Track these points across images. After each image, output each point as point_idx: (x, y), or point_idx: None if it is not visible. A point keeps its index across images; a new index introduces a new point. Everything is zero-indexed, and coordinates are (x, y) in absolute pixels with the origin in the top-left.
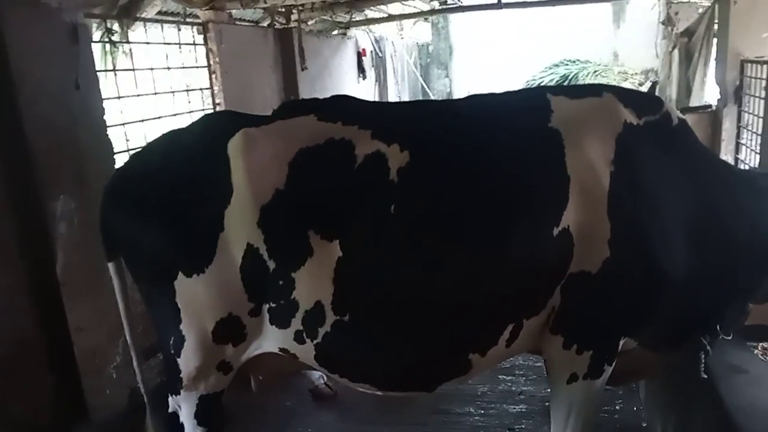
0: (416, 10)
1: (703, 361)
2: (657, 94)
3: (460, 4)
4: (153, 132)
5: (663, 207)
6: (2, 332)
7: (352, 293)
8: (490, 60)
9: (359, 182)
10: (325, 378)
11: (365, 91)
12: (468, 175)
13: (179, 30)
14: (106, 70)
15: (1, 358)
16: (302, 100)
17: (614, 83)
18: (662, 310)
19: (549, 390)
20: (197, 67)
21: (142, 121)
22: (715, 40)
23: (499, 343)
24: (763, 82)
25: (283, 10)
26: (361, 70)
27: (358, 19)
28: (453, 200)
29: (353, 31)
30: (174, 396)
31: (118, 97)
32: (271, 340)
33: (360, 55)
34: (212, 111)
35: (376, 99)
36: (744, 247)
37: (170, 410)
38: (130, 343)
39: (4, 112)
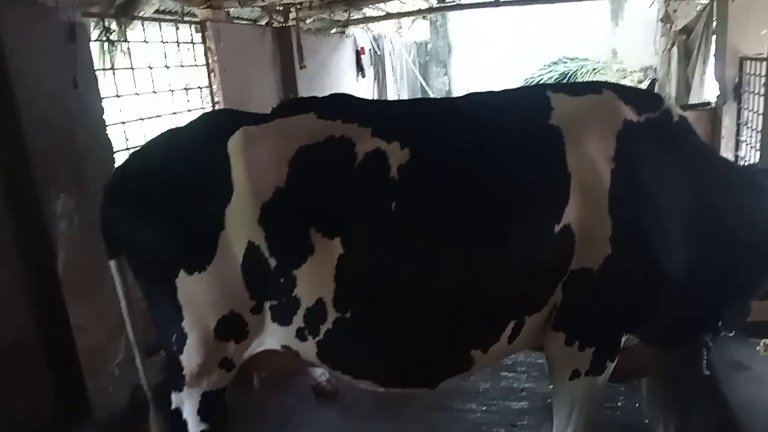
0: (414, 8)
1: (705, 357)
2: (656, 91)
3: (458, 2)
4: (152, 131)
5: (664, 204)
6: (2, 332)
7: (353, 290)
8: (489, 58)
9: (360, 180)
10: (327, 375)
11: (364, 89)
12: (468, 173)
13: (177, 29)
14: (104, 69)
15: (1, 358)
16: (301, 99)
17: (613, 81)
18: (664, 307)
19: (551, 387)
20: (196, 65)
21: (141, 119)
22: (713, 38)
23: (501, 340)
24: (763, 79)
25: (281, 8)
26: (359, 68)
27: (356, 17)
28: (454, 198)
29: (352, 30)
30: (177, 393)
31: (117, 96)
32: (272, 337)
33: (358, 53)
34: (211, 110)
35: (375, 97)
36: (745, 244)
37: (173, 407)
38: (132, 341)
39: (3, 111)
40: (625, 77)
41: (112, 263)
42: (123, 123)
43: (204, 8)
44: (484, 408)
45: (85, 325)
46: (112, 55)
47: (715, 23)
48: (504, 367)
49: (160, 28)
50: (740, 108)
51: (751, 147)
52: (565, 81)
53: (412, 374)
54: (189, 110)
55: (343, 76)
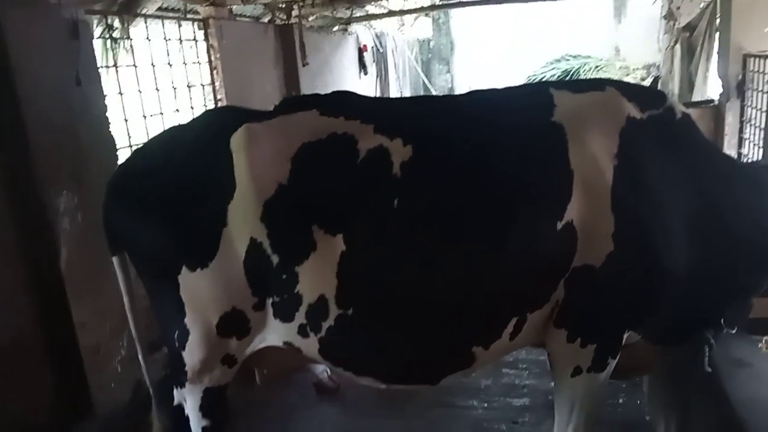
0: (417, 6)
1: (707, 355)
2: (659, 88)
3: None
4: (155, 129)
5: (666, 201)
6: (4, 329)
7: (355, 287)
8: (492, 55)
9: (362, 177)
10: (329, 372)
11: (366, 86)
12: (471, 170)
13: (180, 26)
14: (107, 66)
15: (3, 355)
16: (304, 96)
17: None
18: (666, 304)
19: (552, 384)
20: (198, 63)
21: (144, 117)
22: (717, 35)
23: (503, 337)
24: (766, 77)
25: (284, 6)
26: (362, 65)
27: (358, 15)
28: (456, 195)
29: (354, 27)
30: (179, 389)
31: (120, 93)
32: (275, 333)
33: (361, 50)
34: (214, 107)
35: (378, 95)
36: (747, 242)
37: (175, 403)
38: (135, 337)
39: (5, 109)
40: (627, 75)
41: (115, 260)
42: (126, 120)
43: (207, 5)
44: (486, 405)
45: (87, 322)
46: (115, 52)
47: (718, 20)
48: (505, 364)
49: (163, 25)
50: (743, 105)
51: (755, 144)
52: (567, 78)
53: (414, 371)
54: (192, 108)
55: (345, 74)
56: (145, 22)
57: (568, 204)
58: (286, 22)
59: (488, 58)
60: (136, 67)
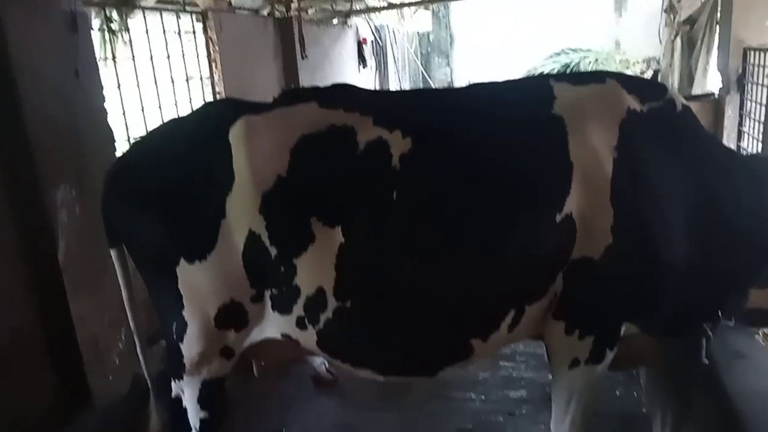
0: None
1: (705, 346)
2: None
3: None
4: (153, 122)
5: (666, 193)
6: (3, 322)
7: (353, 279)
8: (491, 49)
9: (361, 169)
10: (327, 365)
11: (366, 80)
12: (470, 162)
13: (178, 18)
14: (105, 58)
15: (2, 348)
16: (303, 89)
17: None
18: (664, 296)
19: (550, 376)
20: (197, 56)
21: (143, 110)
22: (717, 28)
23: (501, 329)
24: (766, 70)
25: None
26: (361, 58)
27: (358, 8)
28: (455, 187)
29: (353, 20)
30: (177, 381)
31: (118, 86)
32: (273, 325)
33: (360, 44)
34: (212, 100)
35: (377, 88)
36: (746, 234)
37: (173, 395)
38: (134, 329)
39: (4, 101)
40: (627, 68)
41: (113, 252)
42: (124, 113)
43: None
44: (483, 397)
45: (86, 315)
46: (113, 45)
47: (719, 14)
48: (503, 357)
49: (162, 17)
50: (743, 99)
51: (754, 138)
52: (567, 72)
53: (412, 363)
54: (190, 100)
55: (344, 67)
56: (144, 15)
57: (568, 196)
58: (285, 15)
59: (488, 52)
60: (134, 59)
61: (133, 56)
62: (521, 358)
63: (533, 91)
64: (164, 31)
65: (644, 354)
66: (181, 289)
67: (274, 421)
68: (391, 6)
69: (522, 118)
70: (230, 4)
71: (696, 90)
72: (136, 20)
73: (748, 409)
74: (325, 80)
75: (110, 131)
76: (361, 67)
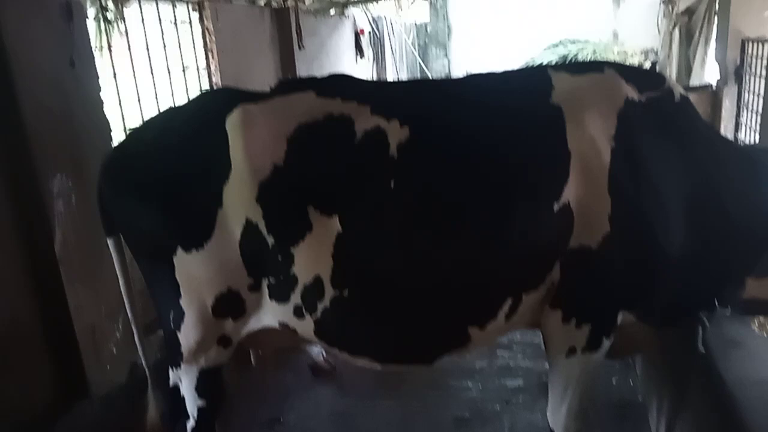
0: None
1: (701, 334)
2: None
3: None
4: (150, 112)
5: (663, 183)
6: (0, 312)
7: (351, 268)
8: (489, 40)
9: (359, 158)
10: (324, 354)
11: (363, 71)
12: (468, 151)
13: (174, 8)
14: (100, 47)
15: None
16: (300, 79)
17: None
18: (661, 285)
19: (546, 365)
20: (193, 46)
21: (139, 100)
22: (716, 19)
23: (499, 317)
24: (764, 61)
25: None
26: (359, 50)
27: None
28: (453, 175)
29: (351, 11)
30: (175, 370)
31: (114, 76)
32: (270, 314)
33: (358, 34)
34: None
35: (374, 79)
36: (743, 223)
37: (171, 384)
38: (131, 319)
39: (0, 91)
40: (625, 60)
41: (110, 242)
42: (120, 103)
43: None
44: (480, 386)
45: (83, 305)
46: (109, 34)
47: (717, 5)
48: (500, 346)
49: (157, 7)
50: (741, 90)
51: (752, 129)
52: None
53: (410, 351)
54: (186, 90)
55: (342, 58)
56: (139, 4)
57: (565, 185)
58: (282, 5)
59: (485, 43)
60: (130, 49)
61: (129, 46)
62: (518, 347)
63: (531, 80)
64: (160, 20)
65: (640, 342)
66: (178, 278)
67: (272, 409)
68: None
69: (520, 107)
70: None
71: (694, 81)
72: (131, 10)
73: (743, 396)
74: (322, 71)
75: (106, 121)
76: (358, 58)
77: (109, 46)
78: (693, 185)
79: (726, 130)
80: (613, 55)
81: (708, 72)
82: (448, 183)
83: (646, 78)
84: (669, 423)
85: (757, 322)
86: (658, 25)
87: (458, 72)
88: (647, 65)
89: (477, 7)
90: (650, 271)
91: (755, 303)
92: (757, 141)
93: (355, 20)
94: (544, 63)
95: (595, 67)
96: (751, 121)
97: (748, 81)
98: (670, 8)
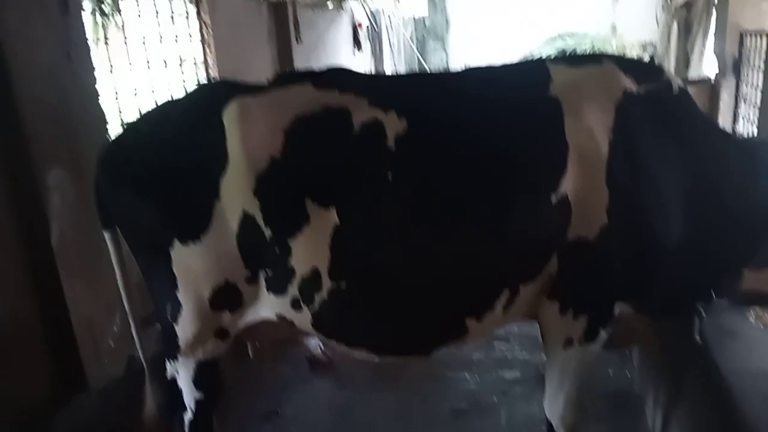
0: None
1: (698, 325)
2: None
3: None
4: (147, 105)
5: (661, 175)
6: None
7: (348, 259)
8: (487, 34)
9: (356, 150)
10: (322, 347)
11: (361, 64)
12: (466, 143)
13: (171, 1)
14: (96, 39)
15: None
16: (298, 71)
17: None
18: (658, 277)
19: (544, 357)
20: (190, 39)
21: (135, 93)
22: (714, 12)
23: (496, 309)
24: (762, 54)
25: None
26: (356, 43)
27: None
28: (451, 167)
29: (349, 4)
30: (172, 362)
31: (110, 69)
32: (268, 307)
33: (356, 28)
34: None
35: (372, 73)
36: (741, 214)
37: (168, 377)
38: (128, 311)
39: None
40: (623, 53)
41: (107, 234)
42: (117, 97)
43: None
44: (478, 377)
45: (80, 298)
46: (105, 27)
47: None
48: (497, 338)
49: (154, 0)
50: (739, 82)
51: (749, 122)
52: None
53: (407, 342)
54: (184, 83)
55: (339, 51)
56: None
57: (563, 177)
58: None
59: (483, 37)
60: (126, 42)
61: (126, 39)
62: (515, 339)
63: (530, 72)
64: (157, 13)
65: (637, 334)
66: (175, 270)
67: (270, 402)
68: None
69: (518, 99)
70: None
71: (692, 74)
72: (128, 3)
73: (740, 387)
74: (320, 64)
75: (102, 114)
76: (356, 51)
77: (106, 40)
78: (691, 177)
79: (724, 122)
80: (611, 49)
81: (706, 65)
82: (445, 175)
83: (644, 70)
84: (666, 414)
85: (753, 314)
86: (656, 18)
87: (456, 65)
88: (646, 58)
89: (475, 0)
90: (648, 263)
91: (752, 294)
92: (755, 133)
93: (353, 13)
94: (543, 56)
95: (594, 59)
96: (749, 113)
97: (746, 73)
98: (669, 1)
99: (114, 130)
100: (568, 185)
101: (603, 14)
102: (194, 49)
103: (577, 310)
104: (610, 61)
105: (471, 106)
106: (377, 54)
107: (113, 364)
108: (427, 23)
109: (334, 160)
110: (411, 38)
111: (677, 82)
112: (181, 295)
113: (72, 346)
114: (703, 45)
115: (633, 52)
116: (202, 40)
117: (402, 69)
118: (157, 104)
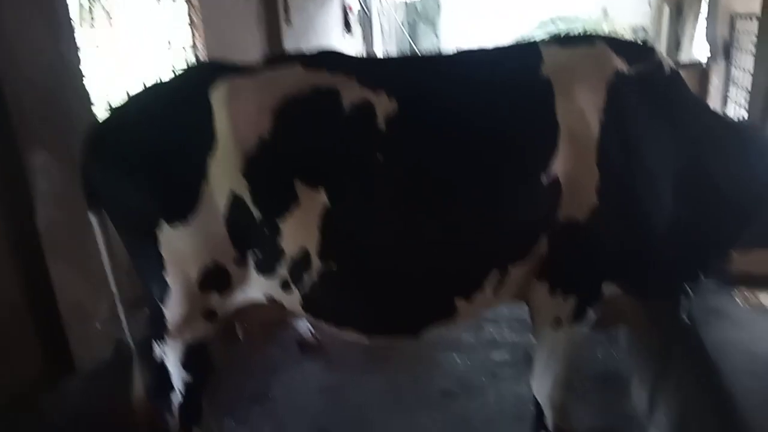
0: None
1: (685, 305)
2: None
3: None
4: (134, 89)
5: (652, 155)
6: None
7: (338, 240)
8: (479, 18)
9: (346, 130)
10: (312, 329)
11: (352, 48)
12: (456, 123)
13: None
14: (82, 21)
15: None
16: (287, 53)
17: None
18: (648, 258)
19: (532, 339)
20: (178, 22)
21: (122, 77)
22: None
23: (485, 289)
24: (753, 37)
25: None
26: (347, 27)
27: None
28: (441, 148)
29: None
30: (160, 344)
31: (96, 49)
32: (257, 288)
33: (346, 11)
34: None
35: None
36: (730, 196)
37: (156, 359)
38: (115, 294)
39: None
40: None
41: (93, 216)
42: (103, 80)
43: None
44: (467, 359)
45: (67, 281)
46: (92, 9)
47: None
48: (486, 320)
49: None
50: (729, 66)
51: (739, 106)
52: None
53: (397, 323)
54: (172, 66)
55: (330, 35)
56: None
57: (554, 158)
58: None
59: (475, 21)
60: (111, 22)
61: (110, 20)
62: (504, 321)
63: (521, 53)
64: None
65: (625, 314)
66: (163, 252)
67: (260, 384)
68: None
69: (509, 79)
70: None
71: (683, 58)
72: None
73: (727, 366)
74: (310, 48)
75: (87, 95)
76: (346, 35)
77: (92, 21)
78: (682, 158)
79: (713, 106)
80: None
81: (697, 49)
82: (435, 155)
83: (636, 51)
84: (652, 393)
85: (740, 295)
86: (648, 1)
87: (448, 49)
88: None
89: None
90: (638, 244)
91: (739, 275)
92: (745, 117)
93: None
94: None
95: (586, 40)
96: (738, 97)
97: (737, 57)
98: None
99: (100, 112)
100: (558, 166)
101: None
102: (182, 32)
103: (567, 290)
104: (602, 41)
105: (461, 86)
106: (368, 38)
107: (101, 347)
108: (418, 7)
109: (323, 140)
110: (402, 23)
111: (669, 62)
112: (169, 277)
113: (59, 329)
114: (694, 29)
115: (624, 36)
116: (190, 23)
117: (393, 53)
118: (145, 86)
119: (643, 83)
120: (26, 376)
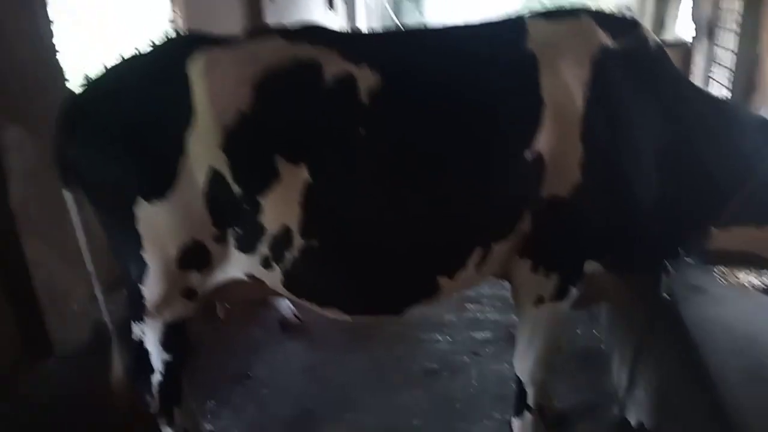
0: None
1: (666, 283)
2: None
3: None
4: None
5: (636, 131)
6: None
7: (320, 217)
8: None
9: (327, 104)
10: (294, 309)
11: (335, 25)
12: (440, 98)
13: None
14: None
15: None
16: (268, 27)
17: None
18: (631, 234)
19: (514, 318)
20: None
21: (99, 51)
22: None
23: (468, 267)
24: (738, 17)
25: None
26: (330, 3)
27: None
28: (424, 123)
29: None
30: (139, 324)
31: (71, 21)
32: (237, 266)
33: None
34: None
35: None
36: (711, 173)
37: (136, 339)
38: (93, 273)
39: None
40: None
41: (67, 193)
42: (79, 54)
43: None
44: (449, 338)
45: (42, 261)
46: None
47: None
48: (468, 299)
49: None
50: (712, 45)
51: (722, 85)
52: None
53: (379, 301)
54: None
55: (312, 11)
56: None
57: (538, 133)
58: None
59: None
60: None
61: None
62: (486, 300)
63: (506, 27)
64: None
65: (606, 292)
66: (140, 229)
67: (241, 364)
68: None
69: (494, 53)
70: None
71: (667, 37)
72: None
73: (707, 339)
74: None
75: (61, 69)
76: (329, 10)
77: None
78: (666, 132)
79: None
80: None
81: (681, 28)
82: (418, 130)
83: (621, 25)
84: (632, 369)
85: (719, 273)
86: None
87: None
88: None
89: None
90: (622, 221)
91: (718, 253)
92: (728, 96)
93: None
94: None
95: (572, 14)
96: (721, 77)
97: (720, 36)
98: None
99: (75, 86)
100: (542, 142)
101: None
102: (161, 5)
103: (549, 268)
104: (588, 16)
105: (445, 60)
106: (351, 14)
107: (80, 328)
108: None
109: (304, 114)
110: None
111: (653, 37)
112: (147, 255)
113: (35, 310)
114: (677, 8)
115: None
116: None
117: (377, 29)
118: (122, 58)
119: (628, 58)
120: (3, 359)
